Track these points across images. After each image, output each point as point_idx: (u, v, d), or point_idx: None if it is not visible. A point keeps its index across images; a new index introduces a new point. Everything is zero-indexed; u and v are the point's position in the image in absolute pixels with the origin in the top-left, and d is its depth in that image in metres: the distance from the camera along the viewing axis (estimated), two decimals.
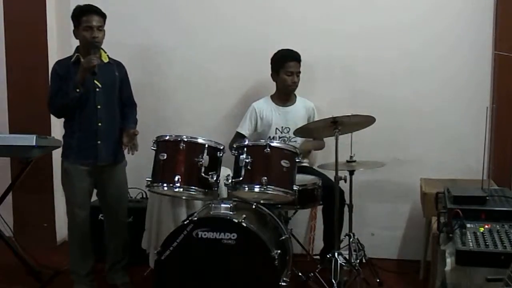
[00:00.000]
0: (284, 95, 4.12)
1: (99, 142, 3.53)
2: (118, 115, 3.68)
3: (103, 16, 3.49)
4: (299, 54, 4.02)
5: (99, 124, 3.52)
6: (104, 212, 3.80)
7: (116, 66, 3.66)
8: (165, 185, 3.22)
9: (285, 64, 4.00)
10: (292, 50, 4.02)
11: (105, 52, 3.61)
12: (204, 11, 4.46)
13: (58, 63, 3.59)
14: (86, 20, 3.42)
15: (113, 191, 3.70)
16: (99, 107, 3.51)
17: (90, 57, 3.37)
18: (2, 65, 4.57)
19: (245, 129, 4.13)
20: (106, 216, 3.80)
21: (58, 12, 4.58)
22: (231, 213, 3.11)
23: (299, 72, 4.03)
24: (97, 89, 3.51)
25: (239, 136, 4.07)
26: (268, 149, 3.18)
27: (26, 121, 4.45)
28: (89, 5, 3.50)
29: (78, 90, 3.39)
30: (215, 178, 3.21)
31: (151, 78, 4.60)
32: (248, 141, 3.33)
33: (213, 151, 3.27)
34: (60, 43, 4.58)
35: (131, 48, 4.48)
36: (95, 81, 3.50)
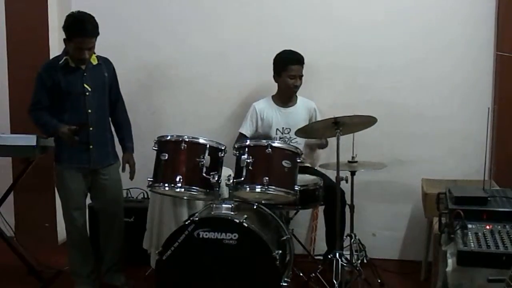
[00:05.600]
0: (286, 97, 4.12)
1: (91, 146, 3.52)
2: (109, 117, 3.67)
3: (95, 35, 3.39)
4: (303, 57, 4.00)
5: (91, 128, 3.49)
6: (101, 215, 3.78)
7: (105, 65, 3.60)
8: (166, 185, 3.23)
9: (287, 67, 3.97)
10: (294, 53, 4.00)
11: (94, 53, 3.52)
12: (205, 13, 4.46)
13: (44, 69, 3.49)
14: (79, 42, 3.34)
15: (108, 193, 3.69)
16: (89, 111, 3.49)
17: (73, 138, 3.36)
18: (4, 66, 4.57)
19: (246, 129, 4.12)
20: (103, 219, 3.78)
21: (59, 13, 4.56)
22: (232, 213, 3.11)
23: (302, 75, 4.01)
24: (87, 93, 3.48)
25: (242, 137, 4.07)
26: (270, 149, 3.18)
27: (27, 121, 4.44)
28: (82, 23, 3.32)
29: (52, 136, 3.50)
30: (216, 178, 3.21)
31: (154, 79, 4.60)
32: (250, 141, 3.33)
33: (215, 151, 3.26)
34: (62, 44, 4.54)
35: (133, 50, 4.49)
36: (85, 85, 3.47)
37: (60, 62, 3.45)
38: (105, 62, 3.61)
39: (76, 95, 3.46)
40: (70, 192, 3.56)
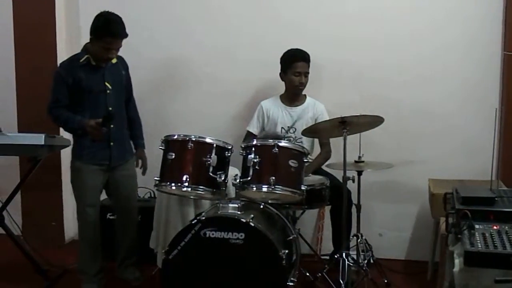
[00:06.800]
0: (293, 95, 4.12)
1: (112, 143, 3.56)
2: (125, 114, 3.72)
3: (125, 36, 3.42)
4: (308, 54, 4.01)
5: (111, 126, 3.51)
6: (116, 210, 3.84)
7: (121, 64, 3.66)
8: (173, 184, 3.23)
9: (293, 64, 3.99)
10: (301, 50, 4.01)
11: None
12: (213, 12, 4.47)
13: (64, 67, 3.50)
14: (109, 42, 3.37)
15: (125, 188, 3.74)
16: (110, 109, 3.52)
17: (101, 130, 3.37)
18: (12, 65, 4.59)
19: (253, 127, 4.15)
20: (118, 214, 3.84)
21: (67, 13, 4.59)
22: (239, 212, 3.11)
23: (307, 72, 4.02)
24: (108, 91, 3.52)
25: (249, 135, 4.10)
26: (276, 149, 3.18)
27: (34, 120, 4.47)
28: (114, 24, 3.37)
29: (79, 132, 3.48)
30: (223, 178, 3.22)
31: (161, 79, 4.62)
32: (256, 141, 3.33)
33: (221, 150, 3.27)
34: (69, 43, 4.59)
35: (140, 49, 4.48)
36: (106, 83, 3.51)
37: (81, 60, 3.46)
38: (121, 61, 3.66)
39: (97, 93, 3.48)
40: (87, 188, 3.58)
